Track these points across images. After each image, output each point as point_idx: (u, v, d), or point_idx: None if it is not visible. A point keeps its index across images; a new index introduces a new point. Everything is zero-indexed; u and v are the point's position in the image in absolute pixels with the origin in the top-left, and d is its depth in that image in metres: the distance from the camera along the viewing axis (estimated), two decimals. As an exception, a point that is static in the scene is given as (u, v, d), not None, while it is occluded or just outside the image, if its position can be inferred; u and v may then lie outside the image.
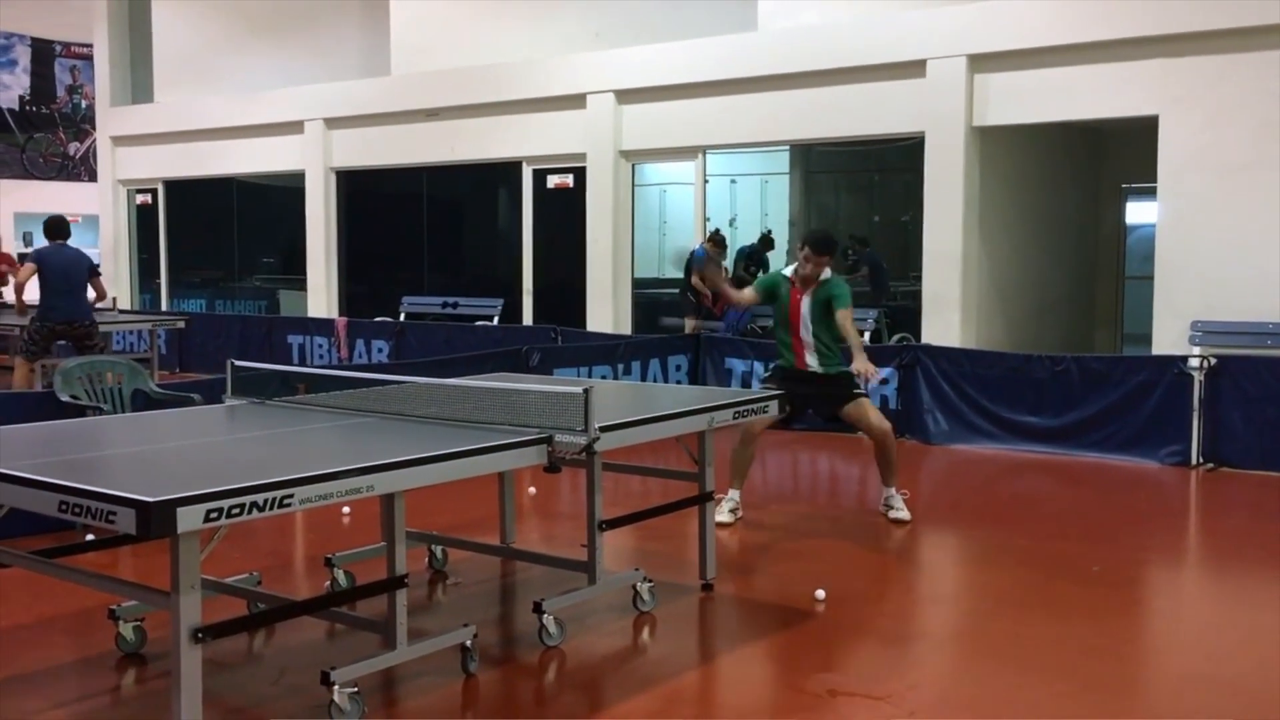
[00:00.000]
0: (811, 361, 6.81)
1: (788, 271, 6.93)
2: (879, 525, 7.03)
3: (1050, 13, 10.58)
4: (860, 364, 6.60)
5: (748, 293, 7.17)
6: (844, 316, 6.69)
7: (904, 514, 6.98)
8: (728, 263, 13.56)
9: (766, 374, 7.26)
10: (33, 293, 10.41)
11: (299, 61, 17.96)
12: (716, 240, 12.99)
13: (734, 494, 7.00)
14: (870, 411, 6.94)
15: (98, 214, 20.07)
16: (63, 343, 10.44)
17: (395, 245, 16.68)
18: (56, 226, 10.27)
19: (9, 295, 19.06)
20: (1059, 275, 13.13)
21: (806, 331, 6.79)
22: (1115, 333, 13.61)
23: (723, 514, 6.79)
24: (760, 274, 14.00)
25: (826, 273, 6.81)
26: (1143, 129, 10.59)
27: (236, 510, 3.36)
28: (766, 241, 14.21)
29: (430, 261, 16.21)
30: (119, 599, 4.55)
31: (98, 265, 10.59)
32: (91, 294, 10.41)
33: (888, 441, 6.90)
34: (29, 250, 16.84)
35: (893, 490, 7.04)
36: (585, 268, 13.87)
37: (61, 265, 10.09)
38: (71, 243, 10.33)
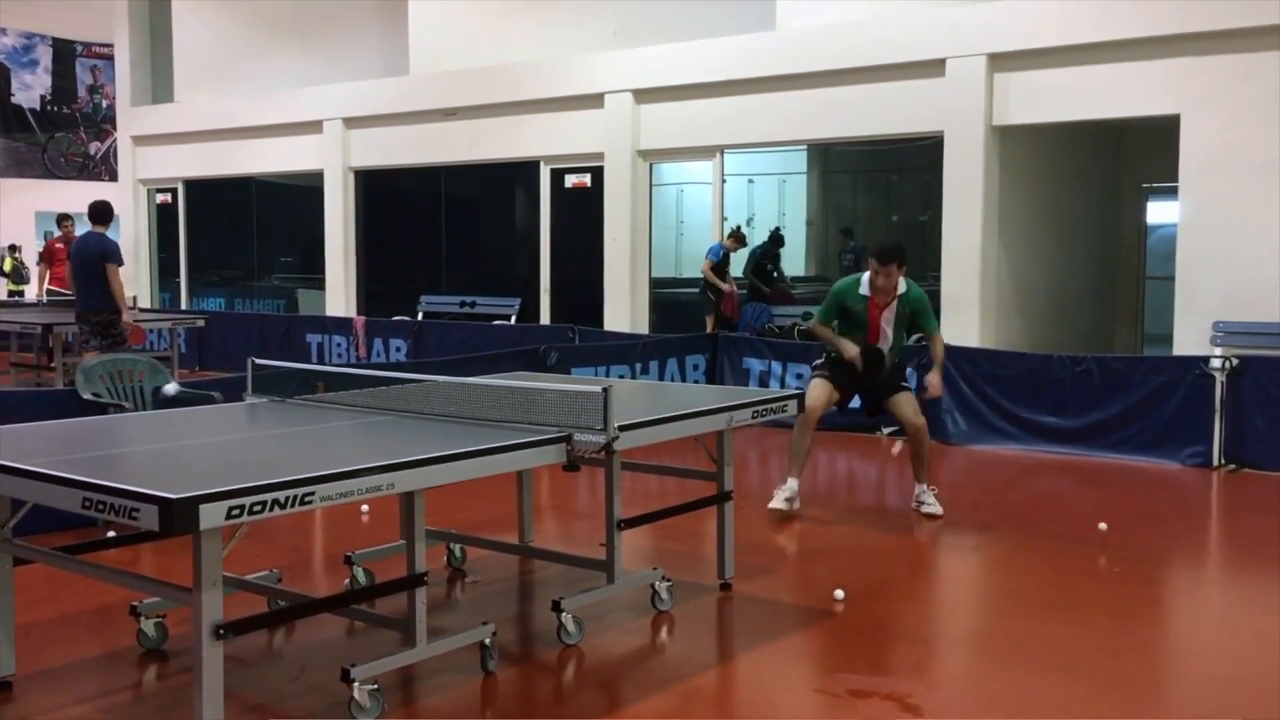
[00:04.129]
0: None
1: (864, 290, 6.95)
2: (897, 525, 7.01)
3: (1071, 11, 10.53)
4: (935, 377, 7.04)
5: (832, 327, 7.07)
6: (938, 343, 7.18)
7: (935, 508, 7.05)
8: (740, 263, 13.55)
9: (819, 361, 7.35)
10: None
11: (318, 62, 18.04)
12: (738, 236, 12.97)
13: (792, 483, 7.03)
14: (910, 405, 7.06)
15: (118, 213, 20.17)
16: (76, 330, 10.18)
17: (413, 244, 16.73)
18: (90, 212, 10.13)
19: (30, 292, 19.25)
20: (1079, 275, 13.06)
21: (885, 341, 6.99)
22: (1136, 333, 13.54)
23: (778, 501, 6.99)
24: (774, 271, 14.00)
25: (902, 285, 6.95)
26: (1164, 128, 10.53)
27: (258, 507, 3.38)
28: (776, 239, 14.18)
29: (448, 261, 16.25)
30: (141, 595, 4.57)
31: (109, 254, 9.81)
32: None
33: (921, 436, 7.05)
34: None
35: (924, 485, 7.12)
36: (603, 267, 13.88)
37: (77, 255, 10.10)
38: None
